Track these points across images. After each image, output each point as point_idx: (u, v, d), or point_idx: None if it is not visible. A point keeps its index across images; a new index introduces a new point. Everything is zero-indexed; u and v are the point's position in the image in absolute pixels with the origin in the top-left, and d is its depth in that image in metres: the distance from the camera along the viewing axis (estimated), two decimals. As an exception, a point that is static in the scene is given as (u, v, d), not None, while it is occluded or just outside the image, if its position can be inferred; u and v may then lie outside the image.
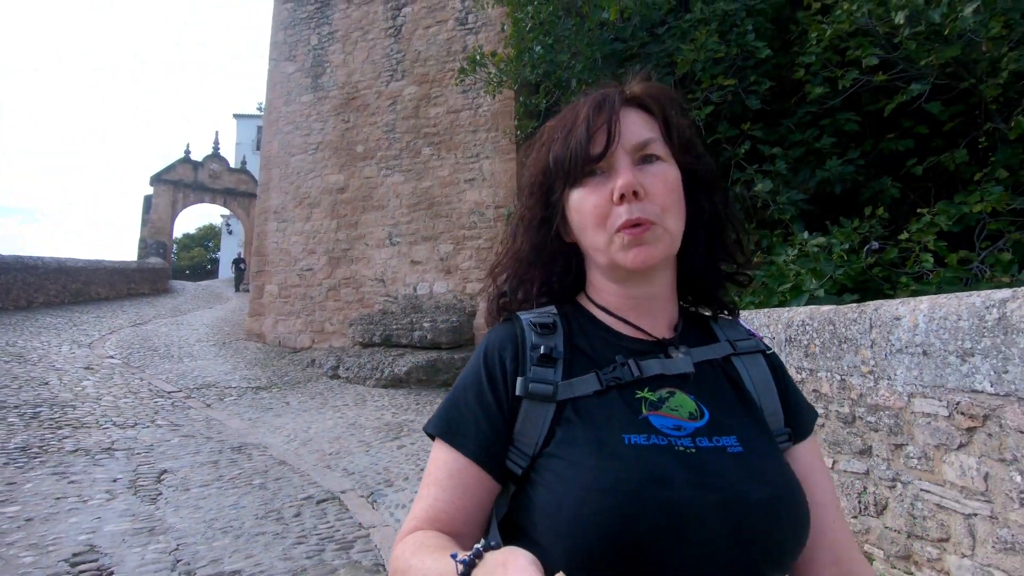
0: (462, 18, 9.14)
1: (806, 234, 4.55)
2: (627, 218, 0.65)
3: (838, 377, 2.43)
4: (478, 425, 0.67)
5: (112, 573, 2.69)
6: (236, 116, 35.79)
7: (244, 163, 27.22)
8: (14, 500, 3.38)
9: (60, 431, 4.64)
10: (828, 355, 2.48)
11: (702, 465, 0.61)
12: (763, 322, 2.91)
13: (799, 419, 0.73)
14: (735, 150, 5.61)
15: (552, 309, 0.75)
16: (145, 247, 24.28)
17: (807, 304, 3.72)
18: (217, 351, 8.98)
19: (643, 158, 0.68)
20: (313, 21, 10.49)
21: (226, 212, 29.64)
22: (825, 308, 2.59)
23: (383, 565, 2.88)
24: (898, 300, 2.19)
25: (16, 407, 5.13)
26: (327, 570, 2.81)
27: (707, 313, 0.80)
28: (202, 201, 26.04)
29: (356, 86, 9.90)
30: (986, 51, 4.09)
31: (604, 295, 0.74)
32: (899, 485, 2.16)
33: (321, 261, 9.70)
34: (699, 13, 5.72)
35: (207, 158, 25.70)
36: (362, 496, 3.79)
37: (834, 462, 2.46)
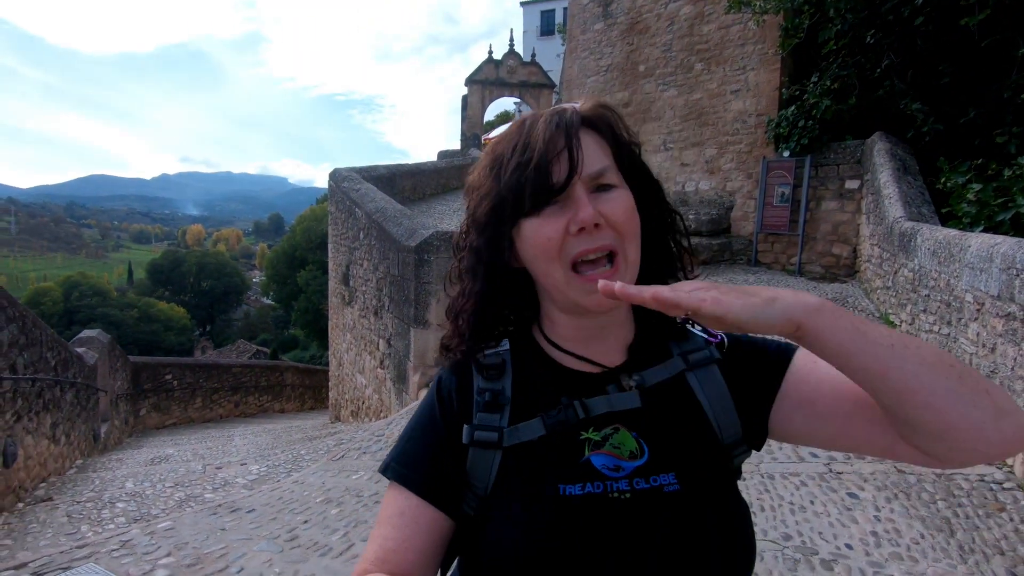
0: (737, -67, 10.00)
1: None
2: (586, 247, 0.64)
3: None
4: (430, 464, 0.68)
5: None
6: (522, 4, 39.29)
7: (533, 55, 30.54)
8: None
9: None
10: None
11: (634, 515, 0.63)
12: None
13: (754, 415, 0.70)
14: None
15: (504, 346, 0.74)
16: (465, 139, 30.65)
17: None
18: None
19: (598, 186, 0.65)
20: (603, -47, 12.40)
21: (517, 100, 34.34)
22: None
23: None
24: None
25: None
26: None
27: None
28: (502, 96, 30.33)
29: (639, 11, 11.76)
30: None
31: (558, 328, 0.73)
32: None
33: (610, 163, 12.54)
34: None
35: (505, 55, 29.15)
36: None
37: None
